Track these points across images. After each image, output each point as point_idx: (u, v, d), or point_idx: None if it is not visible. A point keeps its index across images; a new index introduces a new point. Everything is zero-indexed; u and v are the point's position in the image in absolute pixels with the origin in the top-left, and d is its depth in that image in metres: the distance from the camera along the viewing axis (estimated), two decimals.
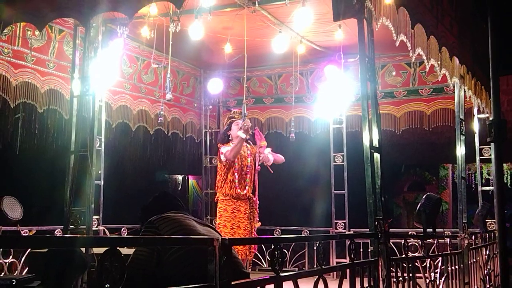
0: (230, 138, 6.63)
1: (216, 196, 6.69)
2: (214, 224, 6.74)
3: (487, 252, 6.64)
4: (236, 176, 6.49)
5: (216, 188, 6.72)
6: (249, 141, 6.67)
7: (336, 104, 7.94)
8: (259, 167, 6.64)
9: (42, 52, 6.32)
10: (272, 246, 2.79)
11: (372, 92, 4.28)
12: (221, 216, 6.51)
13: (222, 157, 6.55)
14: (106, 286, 1.96)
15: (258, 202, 6.64)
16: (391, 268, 4.14)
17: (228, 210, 6.46)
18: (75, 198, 4.97)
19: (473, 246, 6.15)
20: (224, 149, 6.55)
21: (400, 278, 4.39)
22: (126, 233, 7.38)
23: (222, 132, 6.87)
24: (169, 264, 3.08)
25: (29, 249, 5.42)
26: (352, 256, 3.60)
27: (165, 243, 2.98)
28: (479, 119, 7.39)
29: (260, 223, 6.72)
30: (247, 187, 6.49)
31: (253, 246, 6.52)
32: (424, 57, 4.97)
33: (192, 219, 3.42)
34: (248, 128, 6.38)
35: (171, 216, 3.35)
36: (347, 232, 7.97)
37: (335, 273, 7.07)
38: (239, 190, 6.45)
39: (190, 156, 9.21)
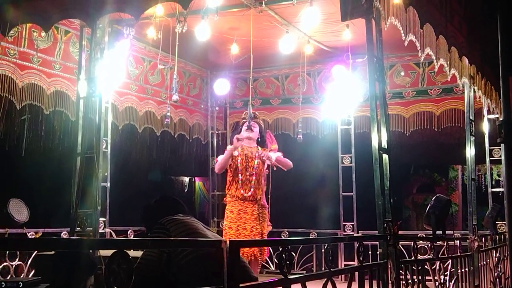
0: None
1: (225, 198, 6.68)
2: (220, 226, 6.70)
3: (497, 255, 6.58)
4: (240, 178, 6.46)
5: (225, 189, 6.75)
6: (259, 142, 6.64)
7: (344, 105, 7.89)
8: (267, 170, 6.59)
9: (48, 54, 6.31)
10: (280, 249, 2.76)
11: (380, 93, 4.24)
12: (228, 217, 6.49)
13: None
14: None
15: (267, 205, 6.56)
16: (400, 271, 4.10)
17: (234, 211, 6.43)
18: (82, 200, 4.95)
19: (483, 248, 6.10)
20: (220, 157, 6.73)
21: (410, 281, 4.34)
22: (132, 235, 7.36)
23: (235, 134, 6.87)
24: (181, 266, 3.08)
25: (36, 252, 5.40)
26: (360, 258, 3.56)
27: (173, 245, 2.97)
28: (489, 119, 7.33)
29: (270, 226, 6.64)
30: (252, 189, 6.42)
31: (264, 248, 6.43)
32: (433, 57, 4.93)
33: (199, 223, 3.43)
34: (237, 145, 6.42)
35: (181, 219, 3.37)
36: (355, 234, 7.92)
37: (343, 275, 7.05)
38: (242, 191, 6.42)
39: (196, 158, 9.19)
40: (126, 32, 6.23)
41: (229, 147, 6.60)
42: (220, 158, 6.67)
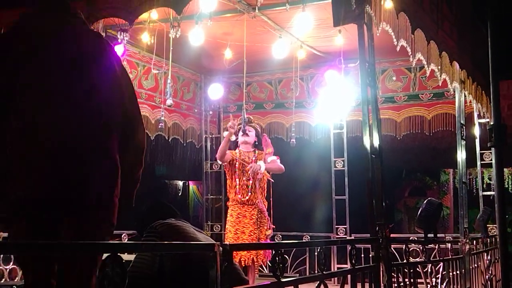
0: (238, 145, 6.66)
1: (227, 201, 6.74)
2: (214, 229, 6.66)
3: (489, 257, 6.62)
4: (238, 182, 6.50)
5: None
6: (257, 146, 6.66)
7: (336, 109, 7.93)
8: (261, 174, 6.58)
9: None
10: (273, 252, 2.78)
11: (372, 97, 4.27)
12: (228, 221, 6.56)
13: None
14: None
15: (264, 209, 6.55)
16: (392, 274, 4.13)
17: (234, 215, 6.47)
18: None
19: (474, 251, 6.14)
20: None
21: (402, 284, 4.37)
22: (126, 239, 7.36)
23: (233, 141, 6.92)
24: (173, 271, 3.10)
25: None
26: (353, 261, 3.59)
27: (166, 249, 2.98)
28: (479, 124, 7.38)
29: (271, 230, 6.61)
30: (249, 193, 6.45)
31: (262, 252, 6.43)
32: (424, 62, 4.97)
33: (191, 227, 3.45)
34: (232, 129, 6.42)
35: (172, 223, 3.38)
36: (348, 238, 7.95)
37: (336, 278, 7.08)
38: (240, 196, 6.45)
39: (190, 162, 9.20)
40: (120, 37, 6.25)
41: (225, 133, 6.60)
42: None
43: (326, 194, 8.79)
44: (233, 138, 6.52)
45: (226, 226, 6.59)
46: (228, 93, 9.06)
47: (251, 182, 6.48)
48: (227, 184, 6.68)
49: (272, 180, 6.70)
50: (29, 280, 2.53)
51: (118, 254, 2.02)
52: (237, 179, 6.51)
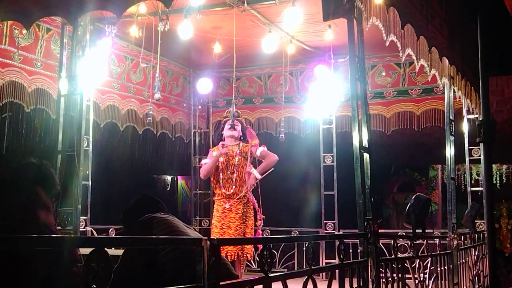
0: (223, 138, 6.63)
1: (214, 196, 6.71)
2: (202, 224, 6.63)
3: (476, 253, 6.66)
4: (221, 176, 6.47)
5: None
6: (242, 139, 6.65)
7: (326, 104, 7.93)
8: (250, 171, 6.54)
9: (29, 51, 6.26)
10: (261, 247, 2.77)
11: (362, 93, 4.27)
12: (214, 216, 6.53)
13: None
14: (93, 287, 1.94)
15: (255, 201, 6.53)
16: (381, 269, 4.13)
17: (219, 210, 6.44)
18: (62, 199, 4.92)
19: (462, 247, 6.16)
20: (204, 161, 6.70)
21: (390, 279, 4.38)
22: (114, 233, 7.32)
23: (218, 133, 6.90)
24: (163, 265, 3.08)
25: None
26: (341, 256, 3.58)
27: (154, 244, 2.97)
28: (468, 119, 7.41)
29: (260, 221, 6.59)
30: (233, 187, 6.43)
31: (247, 248, 6.41)
32: (414, 58, 4.97)
33: (179, 221, 3.43)
34: (222, 151, 6.42)
35: (161, 217, 3.36)
36: (336, 233, 7.96)
37: (324, 274, 7.07)
38: (224, 190, 6.42)
39: (179, 157, 9.18)
40: (108, 30, 6.20)
41: (214, 153, 6.53)
42: (204, 162, 6.63)
43: (315, 189, 8.80)
44: (221, 159, 6.50)
45: (212, 221, 6.56)
46: (217, 87, 9.04)
47: (235, 175, 6.46)
48: (212, 179, 6.61)
49: (272, 169, 6.64)
50: None
51: (104, 248, 2.00)
52: (221, 173, 6.48)
